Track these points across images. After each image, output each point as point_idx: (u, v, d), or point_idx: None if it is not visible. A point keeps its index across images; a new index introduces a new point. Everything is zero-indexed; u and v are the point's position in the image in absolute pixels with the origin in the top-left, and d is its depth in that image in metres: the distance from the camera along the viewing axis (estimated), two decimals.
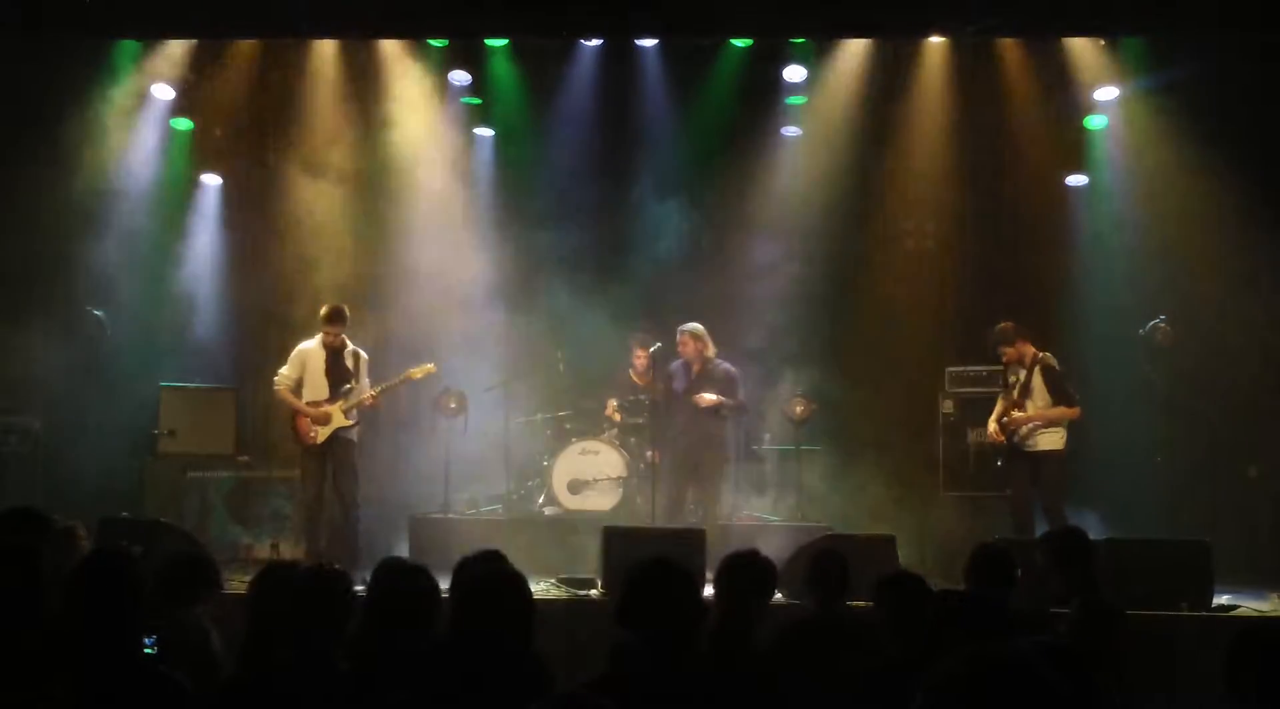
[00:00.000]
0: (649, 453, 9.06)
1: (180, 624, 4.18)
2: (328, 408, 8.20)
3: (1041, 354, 8.16)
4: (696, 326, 8.82)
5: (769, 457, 9.78)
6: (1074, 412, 8.06)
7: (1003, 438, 8.14)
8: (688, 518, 8.62)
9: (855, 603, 4.82)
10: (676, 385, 8.91)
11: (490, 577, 3.53)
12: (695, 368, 8.82)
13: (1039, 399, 8.07)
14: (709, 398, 8.68)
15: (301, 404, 8.19)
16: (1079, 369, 8.79)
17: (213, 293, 10.08)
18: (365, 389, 8.32)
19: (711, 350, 8.84)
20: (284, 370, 8.30)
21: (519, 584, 3.47)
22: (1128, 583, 6.25)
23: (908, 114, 10.03)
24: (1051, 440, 8.05)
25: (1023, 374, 8.14)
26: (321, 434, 8.17)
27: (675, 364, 9.02)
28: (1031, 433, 8.06)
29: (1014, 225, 9.90)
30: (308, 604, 3.41)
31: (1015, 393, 8.14)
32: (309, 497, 8.26)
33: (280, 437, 9.24)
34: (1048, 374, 8.08)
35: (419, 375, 8.51)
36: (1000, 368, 8.94)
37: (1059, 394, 8.04)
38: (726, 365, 8.89)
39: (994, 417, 8.26)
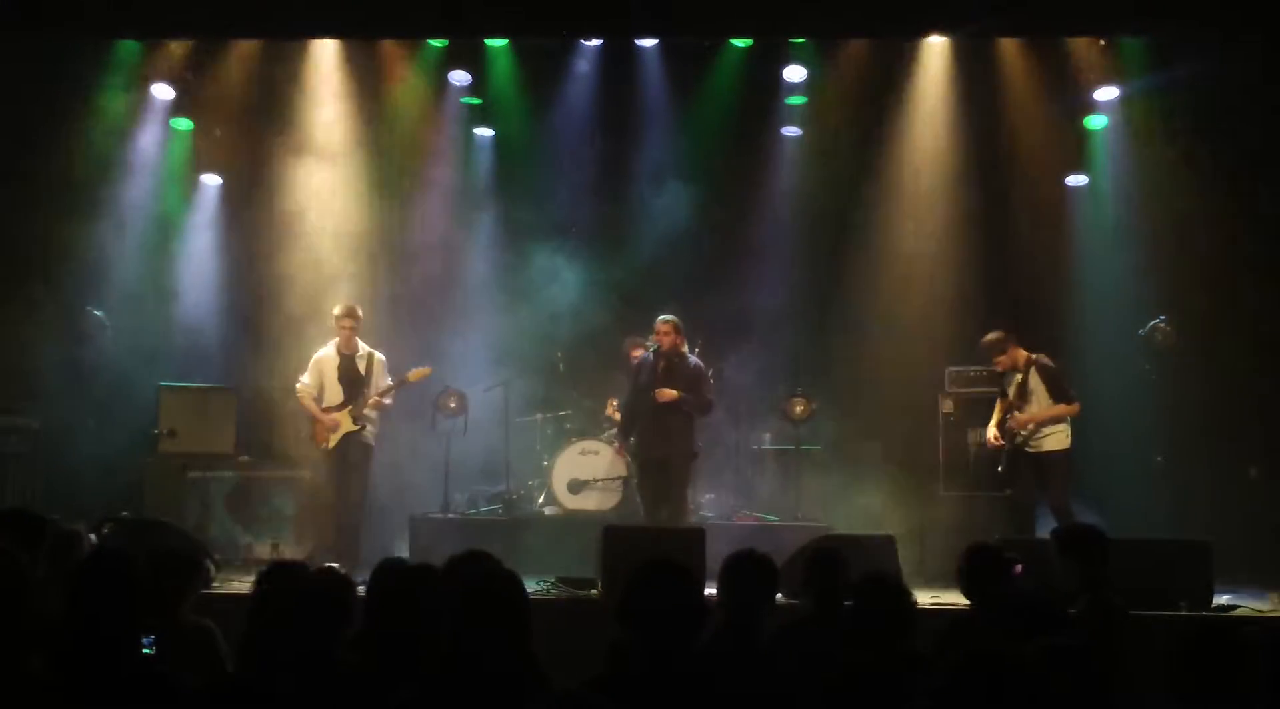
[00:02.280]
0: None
1: (179, 624, 4.18)
2: (336, 414, 8.40)
3: (1035, 356, 8.16)
4: (675, 318, 8.48)
5: (769, 457, 9.77)
6: (1074, 408, 8.06)
7: (1001, 442, 8.16)
8: (660, 517, 8.40)
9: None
10: (643, 381, 8.57)
11: (488, 576, 3.53)
12: (662, 363, 8.46)
13: (1040, 400, 8.07)
14: (668, 393, 8.34)
15: (317, 410, 8.47)
16: (1079, 369, 8.80)
17: (213, 293, 10.07)
18: (374, 391, 8.48)
19: (685, 345, 8.56)
20: (304, 379, 8.59)
21: (515, 583, 3.46)
22: (1128, 583, 6.23)
23: (908, 114, 10.03)
24: (1057, 441, 8.05)
25: (1018, 378, 8.14)
26: (333, 439, 8.43)
27: (643, 358, 8.69)
28: (1036, 434, 8.06)
29: (1014, 225, 9.89)
30: (309, 604, 3.41)
31: (1013, 397, 8.14)
32: (326, 500, 8.56)
33: (279, 437, 9.31)
34: (1044, 373, 8.08)
35: (416, 378, 8.66)
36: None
37: (1057, 392, 8.04)
38: (695, 361, 8.61)
39: (992, 422, 8.28)
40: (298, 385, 8.58)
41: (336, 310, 8.53)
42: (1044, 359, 8.14)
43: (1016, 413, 8.09)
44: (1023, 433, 8.07)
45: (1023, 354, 8.18)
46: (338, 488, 8.47)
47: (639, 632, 3.39)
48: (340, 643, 3.52)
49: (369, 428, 8.52)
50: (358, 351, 8.52)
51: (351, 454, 8.44)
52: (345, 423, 8.42)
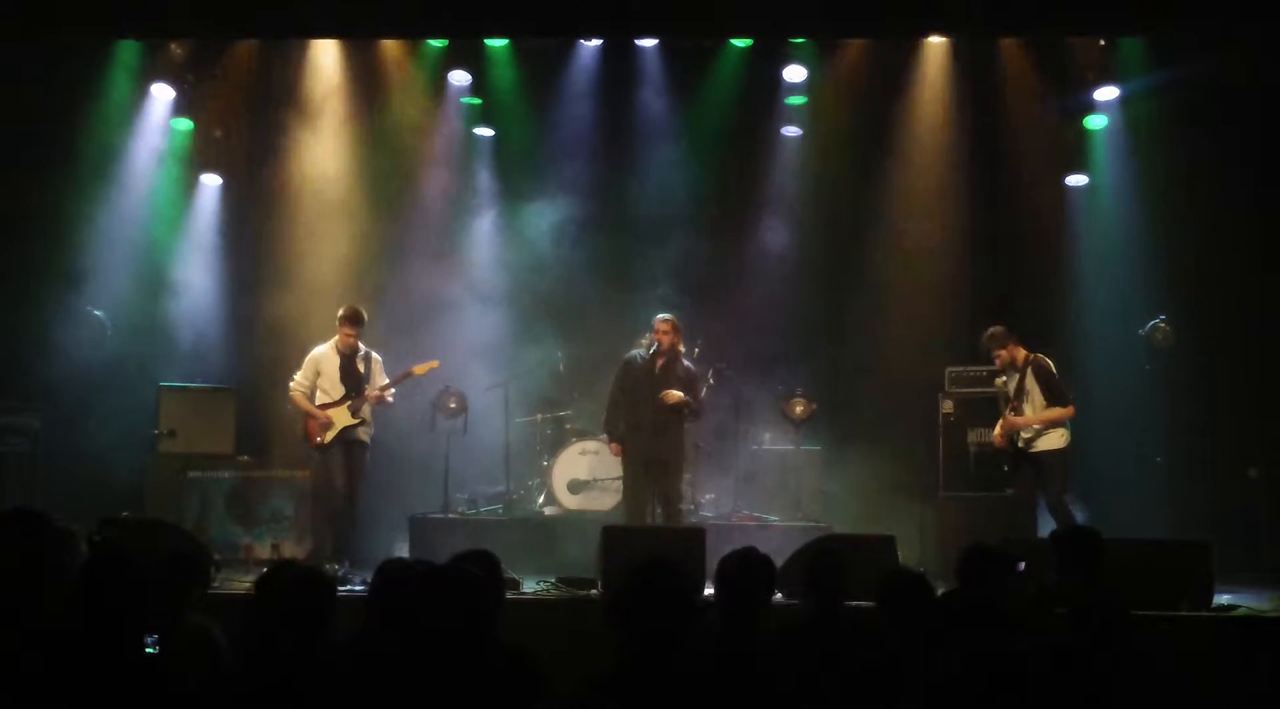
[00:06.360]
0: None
1: (180, 624, 4.18)
2: (332, 410, 8.31)
3: (1034, 355, 8.16)
4: (674, 317, 8.43)
5: (769, 457, 9.77)
6: (1068, 411, 8.03)
7: (1005, 444, 8.16)
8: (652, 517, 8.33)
9: (854, 603, 4.81)
10: (637, 380, 8.45)
11: (446, 571, 3.56)
12: (659, 362, 8.38)
13: (1036, 400, 8.07)
14: (676, 394, 8.27)
15: (312, 407, 8.35)
16: (1079, 369, 8.80)
17: (212, 293, 10.07)
18: (373, 389, 8.41)
19: (682, 345, 8.48)
20: (297, 377, 8.45)
21: (467, 576, 3.49)
22: (1128, 583, 6.23)
23: (908, 114, 10.04)
24: (1053, 440, 8.04)
25: (1016, 377, 8.15)
26: (328, 436, 8.30)
27: (631, 357, 8.58)
28: (1033, 435, 8.06)
29: (1014, 225, 9.90)
30: (305, 604, 3.42)
31: (1012, 396, 8.15)
32: (322, 495, 8.44)
33: (279, 437, 9.31)
34: (1040, 374, 8.06)
35: (422, 371, 8.56)
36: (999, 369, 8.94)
37: (1052, 394, 8.03)
38: (690, 364, 8.57)
39: (998, 424, 8.28)
40: (291, 383, 8.45)
41: (341, 313, 8.37)
42: (1042, 359, 8.13)
43: (1013, 413, 8.10)
44: (1021, 433, 8.08)
45: (1022, 352, 8.19)
46: (333, 486, 8.31)
47: (631, 632, 3.40)
48: (339, 643, 3.52)
49: (364, 427, 8.41)
50: (359, 352, 8.45)
51: (349, 451, 8.34)
52: (342, 418, 8.30)
